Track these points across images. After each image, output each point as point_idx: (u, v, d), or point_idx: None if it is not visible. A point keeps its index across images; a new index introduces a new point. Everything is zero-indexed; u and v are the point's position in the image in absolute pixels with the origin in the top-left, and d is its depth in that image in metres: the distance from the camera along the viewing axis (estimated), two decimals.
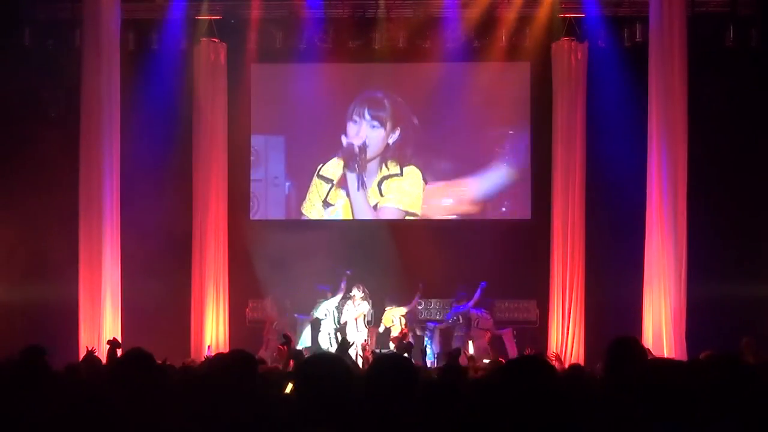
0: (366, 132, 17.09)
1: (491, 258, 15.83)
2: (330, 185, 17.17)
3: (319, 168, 17.19)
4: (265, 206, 17.27)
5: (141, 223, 15.43)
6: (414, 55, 16.73)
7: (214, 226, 16.34)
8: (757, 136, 15.83)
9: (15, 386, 4.44)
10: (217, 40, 16.43)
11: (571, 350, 15.47)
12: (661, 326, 14.52)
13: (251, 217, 17.14)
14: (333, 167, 17.16)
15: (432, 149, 17.24)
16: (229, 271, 16.42)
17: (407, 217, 17.10)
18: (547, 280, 16.04)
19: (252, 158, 17.20)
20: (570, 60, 16.14)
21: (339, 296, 15.51)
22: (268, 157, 17.27)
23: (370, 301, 15.73)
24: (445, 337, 15.58)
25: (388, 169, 17.10)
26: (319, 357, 4.00)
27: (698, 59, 15.07)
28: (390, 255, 15.99)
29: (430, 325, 15.67)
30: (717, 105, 15.81)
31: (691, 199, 14.63)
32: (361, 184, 17.05)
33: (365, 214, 17.08)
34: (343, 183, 17.12)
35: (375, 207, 17.09)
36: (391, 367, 3.78)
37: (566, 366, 12.08)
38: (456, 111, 17.06)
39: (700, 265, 14.70)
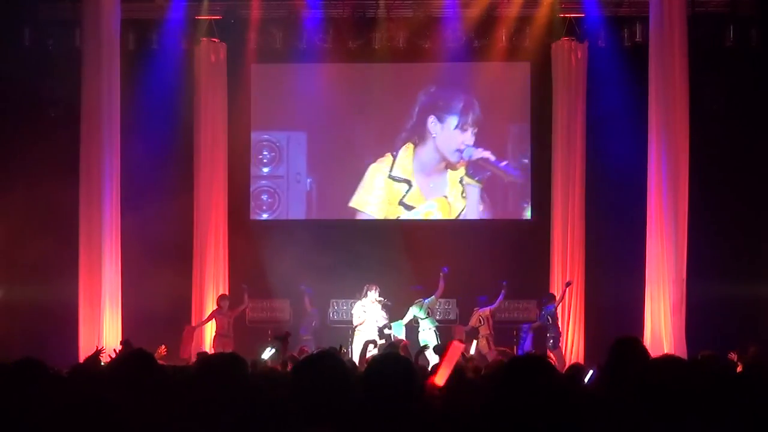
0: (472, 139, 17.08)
1: (491, 258, 15.83)
2: (407, 187, 17.09)
3: (390, 168, 17.04)
4: (287, 204, 17.26)
5: (141, 224, 15.43)
6: (414, 55, 16.73)
7: (214, 227, 16.35)
8: (757, 135, 15.82)
9: (15, 386, 4.43)
10: (217, 40, 16.43)
11: (571, 350, 15.47)
12: (661, 326, 14.52)
13: (264, 216, 17.15)
14: (404, 168, 17.08)
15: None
16: (229, 272, 16.42)
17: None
18: (547, 281, 16.05)
19: (273, 154, 17.19)
20: (570, 60, 16.14)
21: (438, 293, 15.35)
22: (289, 154, 17.24)
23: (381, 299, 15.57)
24: (539, 337, 15.39)
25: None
26: (315, 356, 4.00)
27: (698, 59, 15.07)
28: (390, 255, 15.97)
29: (525, 326, 15.40)
30: (717, 105, 15.82)
31: (692, 199, 14.64)
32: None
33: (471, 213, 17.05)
34: (425, 185, 17.04)
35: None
36: (390, 367, 3.79)
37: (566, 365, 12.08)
38: (457, 111, 17.09)
39: (700, 265, 14.71)
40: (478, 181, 17.05)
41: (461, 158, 16.98)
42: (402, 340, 14.45)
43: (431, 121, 17.04)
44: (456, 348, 4.46)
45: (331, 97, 17.04)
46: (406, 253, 16.09)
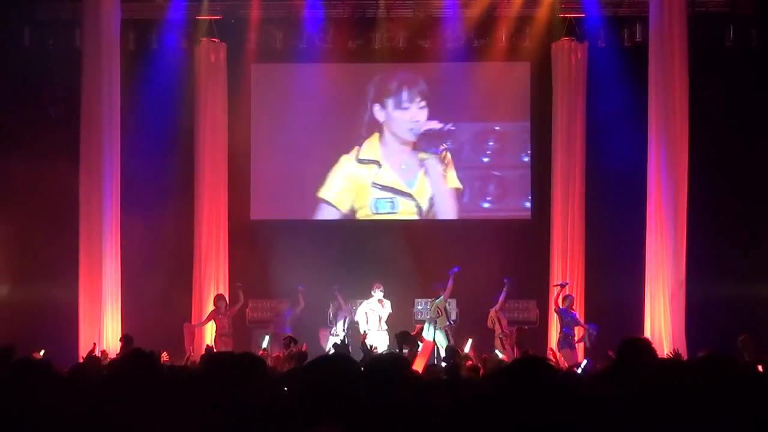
0: (424, 115, 17.06)
1: (491, 258, 15.82)
2: (377, 167, 17.09)
3: (355, 154, 17.09)
4: (271, 204, 17.26)
5: (141, 223, 15.42)
6: (414, 55, 16.73)
7: (214, 226, 16.35)
8: (757, 136, 15.84)
9: (15, 386, 4.43)
10: (217, 40, 16.44)
11: None
12: (661, 326, 14.53)
13: (253, 217, 17.15)
14: (371, 149, 17.11)
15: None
16: (229, 271, 16.42)
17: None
18: (547, 280, 16.05)
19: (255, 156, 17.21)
20: (570, 60, 16.15)
21: (446, 294, 15.31)
22: (275, 156, 17.27)
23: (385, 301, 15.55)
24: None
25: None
26: (326, 357, 4.01)
27: (698, 59, 15.08)
28: (389, 255, 15.96)
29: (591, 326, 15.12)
30: (717, 105, 15.82)
31: (692, 199, 14.64)
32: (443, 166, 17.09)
33: (443, 193, 17.07)
34: (395, 164, 17.05)
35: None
36: (386, 366, 3.79)
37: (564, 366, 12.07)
38: (456, 111, 17.10)
39: (700, 265, 14.71)
40: (431, 154, 17.06)
41: (415, 136, 17.05)
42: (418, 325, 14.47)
43: (377, 109, 17.10)
44: (426, 344, 4.55)
45: (330, 96, 17.06)
46: (407, 253, 16.06)
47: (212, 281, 16.21)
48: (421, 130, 17.09)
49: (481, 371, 9.25)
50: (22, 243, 15.58)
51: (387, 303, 15.50)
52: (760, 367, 7.06)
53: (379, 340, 14.86)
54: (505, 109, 17.19)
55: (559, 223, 16.05)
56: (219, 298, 15.49)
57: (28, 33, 16.01)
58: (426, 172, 17.08)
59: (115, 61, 15.11)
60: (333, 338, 15.31)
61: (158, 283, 15.54)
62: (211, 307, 15.53)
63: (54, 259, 15.45)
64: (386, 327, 15.37)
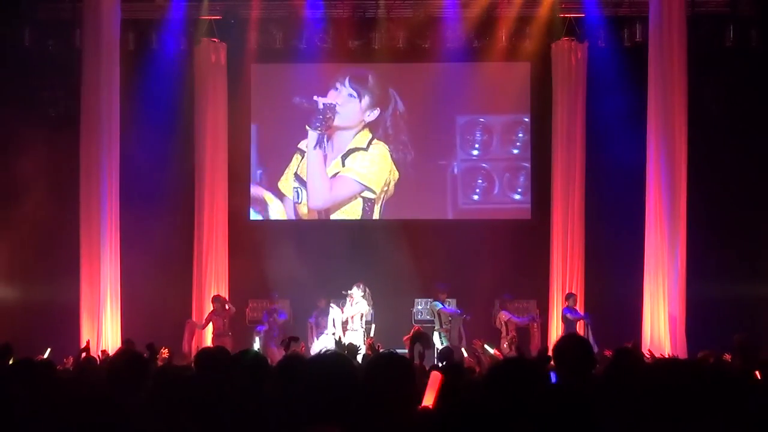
0: (342, 99, 17.04)
1: (491, 258, 15.83)
2: (302, 157, 17.16)
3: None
4: (271, 204, 17.29)
5: (142, 224, 15.44)
6: (414, 55, 16.73)
7: (214, 227, 16.35)
8: (757, 136, 15.84)
9: (15, 386, 4.44)
10: (217, 40, 16.44)
11: None
12: (660, 326, 14.53)
13: (253, 217, 17.17)
14: (308, 140, 17.18)
15: (430, 147, 17.25)
16: (229, 272, 16.42)
17: (365, 192, 17.08)
18: (547, 280, 16.05)
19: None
20: (570, 60, 16.15)
21: (442, 327, 15.30)
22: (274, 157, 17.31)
23: (371, 300, 15.56)
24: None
25: (355, 142, 17.11)
26: (323, 356, 4.01)
27: (698, 59, 15.09)
28: (389, 255, 15.97)
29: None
30: (717, 105, 15.83)
31: (691, 199, 14.64)
32: (319, 144, 16.99)
33: (316, 176, 16.99)
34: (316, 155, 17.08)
35: (334, 175, 17.05)
36: (386, 365, 3.79)
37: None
38: (456, 111, 17.10)
39: (699, 265, 14.72)
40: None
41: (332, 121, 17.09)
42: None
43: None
44: (435, 376, 4.52)
45: (330, 96, 17.07)
46: (407, 253, 16.07)
47: (212, 281, 16.22)
48: (344, 119, 17.02)
49: (477, 369, 9.28)
50: (21, 243, 15.57)
51: (361, 303, 15.25)
52: (758, 373, 6.96)
53: (353, 339, 14.81)
54: (505, 109, 17.19)
55: (559, 223, 16.06)
56: (216, 298, 15.51)
57: (28, 33, 16.00)
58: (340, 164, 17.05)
59: (115, 61, 15.11)
60: (327, 337, 15.32)
61: (158, 283, 15.54)
62: (212, 308, 15.55)
63: (54, 259, 15.45)
64: (360, 327, 15.27)
